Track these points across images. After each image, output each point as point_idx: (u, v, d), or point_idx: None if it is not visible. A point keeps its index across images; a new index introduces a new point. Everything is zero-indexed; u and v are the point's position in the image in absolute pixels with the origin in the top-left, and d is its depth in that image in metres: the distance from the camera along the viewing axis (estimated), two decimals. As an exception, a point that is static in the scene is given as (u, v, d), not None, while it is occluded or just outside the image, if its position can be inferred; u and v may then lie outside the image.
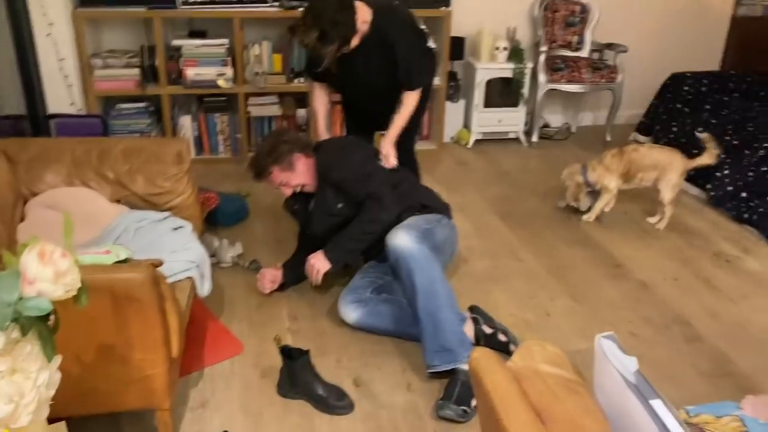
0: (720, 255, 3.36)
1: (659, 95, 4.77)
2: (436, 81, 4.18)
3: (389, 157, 2.83)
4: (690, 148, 4.14)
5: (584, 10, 4.85)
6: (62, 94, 3.82)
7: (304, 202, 2.79)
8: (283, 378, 2.28)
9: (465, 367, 2.23)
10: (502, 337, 2.50)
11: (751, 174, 3.70)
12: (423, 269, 2.34)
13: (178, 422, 2.14)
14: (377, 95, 2.95)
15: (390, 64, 2.81)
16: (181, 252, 2.26)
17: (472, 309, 2.60)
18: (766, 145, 3.69)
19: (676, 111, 4.56)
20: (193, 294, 2.26)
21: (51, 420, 1.34)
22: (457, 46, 4.60)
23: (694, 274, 3.16)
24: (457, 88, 4.79)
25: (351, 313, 2.57)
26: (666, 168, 3.48)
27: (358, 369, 2.43)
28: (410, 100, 2.90)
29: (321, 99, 3.12)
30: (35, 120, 3.64)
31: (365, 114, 3.17)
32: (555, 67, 4.67)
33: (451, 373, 2.27)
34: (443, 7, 4.37)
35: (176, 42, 4.12)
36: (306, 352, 2.25)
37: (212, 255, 3.04)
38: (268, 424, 2.16)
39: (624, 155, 3.54)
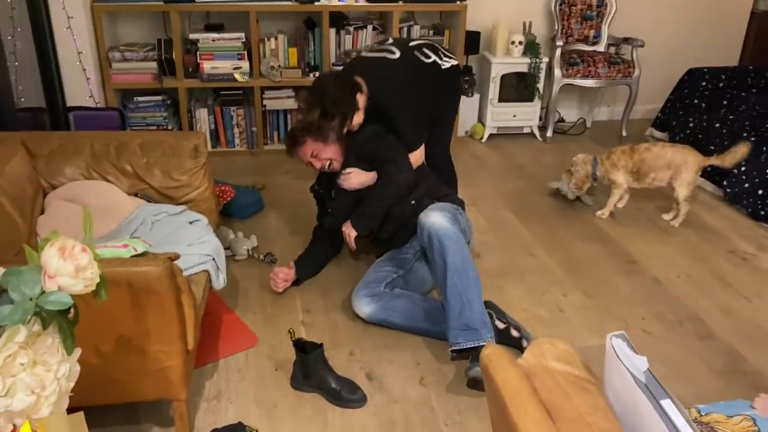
0: (735, 252, 3.34)
1: (676, 90, 4.73)
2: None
3: (350, 177, 2.76)
4: (706, 144, 4.11)
5: (601, 4, 4.81)
6: (81, 87, 3.86)
7: (328, 189, 2.88)
8: (297, 371, 2.31)
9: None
10: (514, 333, 2.51)
11: (768, 171, 3.67)
12: (456, 248, 2.41)
13: (193, 413, 2.18)
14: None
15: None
16: (196, 245, 2.28)
17: (486, 304, 2.60)
18: (784, 141, 3.66)
19: (693, 106, 4.52)
20: (209, 287, 2.29)
21: (69, 410, 1.36)
22: (473, 41, 4.58)
23: (709, 271, 3.15)
24: (472, 83, 4.78)
25: (364, 307, 2.59)
26: (681, 166, 3.44)
27: (371, 362, 2.45)
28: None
29: None
30: (54, 112, 3.69)
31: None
32: (571, 61, 4.64)
33: (472, 352, 2.31)
34: (459, 1, 4.36)
35: (193, 35, 4.15)
36: (319, 346, 2.27)
37: (227, 248, 3.07)
38: (282, 417, 2.19)
39: (635, 153, 3.51)
